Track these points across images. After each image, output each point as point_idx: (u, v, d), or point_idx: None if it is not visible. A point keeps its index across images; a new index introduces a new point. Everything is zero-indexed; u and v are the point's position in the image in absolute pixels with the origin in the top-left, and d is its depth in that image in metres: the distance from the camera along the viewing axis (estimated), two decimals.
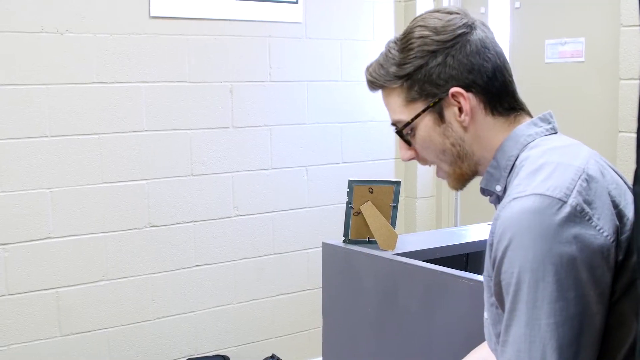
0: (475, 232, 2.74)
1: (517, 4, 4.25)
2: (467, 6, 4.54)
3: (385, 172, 4.60)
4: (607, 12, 3.77)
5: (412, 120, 1.59)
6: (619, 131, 3.54)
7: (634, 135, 3.43)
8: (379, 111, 4.47)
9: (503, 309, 1.39)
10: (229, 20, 3.97)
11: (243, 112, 4.05)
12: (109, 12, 3.64)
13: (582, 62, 3.94)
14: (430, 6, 4.58)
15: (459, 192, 4.66)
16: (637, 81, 3.44)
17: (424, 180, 4.66)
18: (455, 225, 4.66)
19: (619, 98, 3.57)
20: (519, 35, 4.25)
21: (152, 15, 3.73)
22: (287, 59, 4.20)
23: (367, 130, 4.52)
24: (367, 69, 1.66)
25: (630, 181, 1.50)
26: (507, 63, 1.59)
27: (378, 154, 4.59)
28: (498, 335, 1.45)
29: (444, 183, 4.82)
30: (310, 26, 4.26)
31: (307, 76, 4.27)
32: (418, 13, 4.40)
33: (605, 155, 1.56)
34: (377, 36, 4.52)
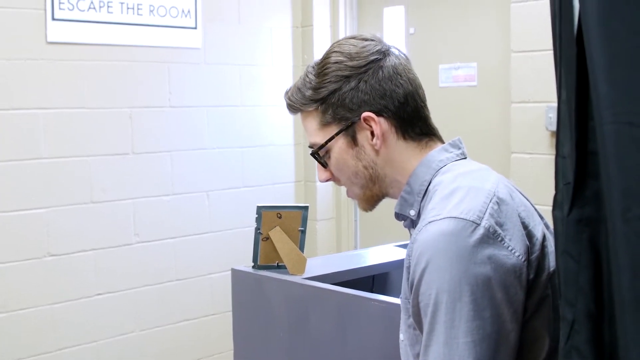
0: (379, 254, 2.78)
1: (411, 30, 4.36)
2: (362, 30, 4.63)
3: (285, 195, 4.63)
4: (498, 39, 3.91)
5: (326, 142, 1.63)
6: (512, 152, 3.67)
7: (526, 156, 3.58)
8: (278, 135, 4.52)
9: (421, 330, 1.43)
10: (128, 46, 3.94)
11: (143, 138, 4.01)
12: (5, 36, 3.55)
13: (475, 86, 4.08)
14: (327, 33, 4.65)
15: (359, 215, 4.73)
16: (527, 104, 3.58)
17: (324, 203, 4.71)
18: (355, 247, 4.72)
19: (510, 120, 3.70)
20: (413, 60, 4.26)
21: (49, 40, 3.66)
22: (186, 85, 4.18)
23: (267, 154, 4.54)
24: (286, 92, 1.70)
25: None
26: (421, 89, 1.64)
27: (278, 177, 4.62)
28: (416, 356, 1.48)
29: (344, 205, 4.89)
30: (209, 52, 4.26)
31: (207, 101, 4.26)
32: (315, 39, 4.55)
33: None
34: (276, 62, 4.56)
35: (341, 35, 4.62)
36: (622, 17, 0.95)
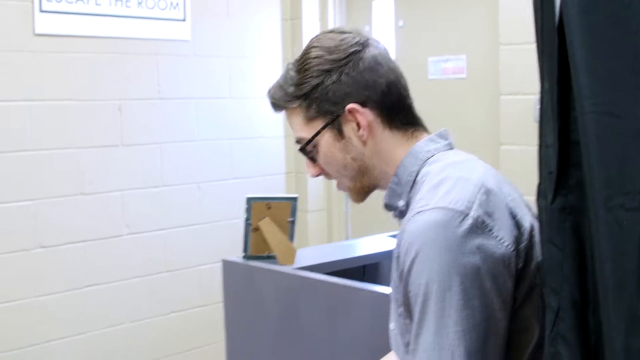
0: (370, 244, 2.79)
1: (400, 23, 4.37)
2: (352, 24, 4.63)
3: (275, 186, 4.64)
4: (487, 31, 3.92)
5: (313, 137, 1.64)
6: (501, 144, 3.69)
7: (516, 148, 3.59)
8: (268, 127, 4.53)
9: (411, 319, 1.44)
10: (117, 38, 3.93)
11: (132, 129, 4.01)
12: None
13: (464, 78, 4.09)
14: (316, 25, 4.65)
15: (350, 206, 4.74)
16: (516, 96, 3.60)
17: (315, 194, 4.72)
18: (347, 238, 4.73)
19: (499, 112, 3.71)
20: (402, 53, 4.36)
21: (36, 32, 3.65)
22: (175, 77, 4.18)
23: (257, 146, 4.55)
24: (269, 91, 1.70)
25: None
26: (402, 78, 1.64)
27: (268, 169, 4.63)
28: (407, 345, 1.49)
29: (335, 197, 4.89)
30: (198, 44, 4.26)
31: (196, 93, 4.27)
32: (304, 31, 4.55)
33: None
34: (265, 54, 4.57)
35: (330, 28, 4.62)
36: (602, 8, 0.96)
